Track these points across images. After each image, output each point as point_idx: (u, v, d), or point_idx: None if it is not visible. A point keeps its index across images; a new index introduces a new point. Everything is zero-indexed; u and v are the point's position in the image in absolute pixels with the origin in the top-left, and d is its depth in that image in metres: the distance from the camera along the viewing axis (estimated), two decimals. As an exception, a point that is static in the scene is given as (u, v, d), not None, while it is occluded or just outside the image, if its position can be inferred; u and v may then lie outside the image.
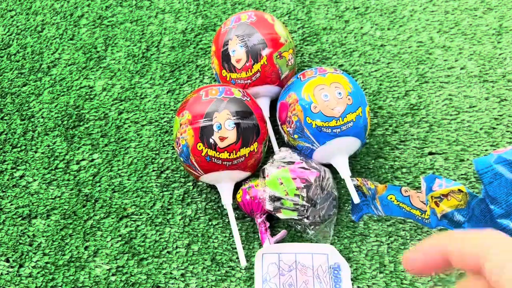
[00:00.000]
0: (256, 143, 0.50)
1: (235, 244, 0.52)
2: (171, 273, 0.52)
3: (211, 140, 0.48)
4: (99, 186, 0.57)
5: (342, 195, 0.55)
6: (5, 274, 0.52)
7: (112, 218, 0.55)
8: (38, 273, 0.52)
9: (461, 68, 0.62)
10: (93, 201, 0.56)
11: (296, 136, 0.52)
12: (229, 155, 0.49)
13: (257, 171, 0.54)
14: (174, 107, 0.62)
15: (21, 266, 0.53)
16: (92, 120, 0.61)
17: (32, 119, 0.61)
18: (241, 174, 0.51)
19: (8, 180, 0.58)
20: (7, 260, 0.53)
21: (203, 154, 0.49)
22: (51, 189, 0.57)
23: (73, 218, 0.55)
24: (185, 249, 0.53)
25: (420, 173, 0.56)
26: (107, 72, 0.64)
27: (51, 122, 0.61)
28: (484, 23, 0.65)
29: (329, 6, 0.68)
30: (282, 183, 0.49)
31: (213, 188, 0.56)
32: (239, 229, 0.53)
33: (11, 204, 0.56)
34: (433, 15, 0.66)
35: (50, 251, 0.53)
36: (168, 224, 0.54)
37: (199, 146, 0.49)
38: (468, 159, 0.56)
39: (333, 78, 0.51)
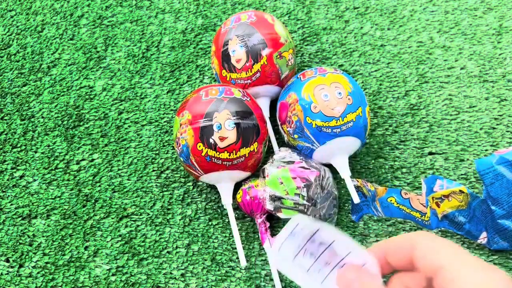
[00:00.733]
0: (256, 143, 0.50)
1: (235, 244, 0.52)
2: (171, 273, 0.52)
3: (211, 140, 0.48)
4: (99, 186, 0.57)
5: (342, 195, 0.55)
6: (5, 274, 0.52)
7: (112, 218, 0.55)
8: (38, 273, 0.52)
9: (461, 68, 0.62)
10: (93, 201, 0.56)
11: (296, 136, 0.52)
12: (229, 155, 0.49)
13: (257, 171, 0.54)
14: (174, 107, 0.62)
15: (21, 266, 0.53)
16: (92, 120, 0.61)
17: (32, 119, 0.61)
18: (241, 174, 0.51)
19: (8, 180, 0.58)
20: (7, 260, 0.53)
21: (203, 154, 0.49)
22: (51, 189, 0.57)
23: (73, 218, 0.55)
24: (185, 249, 0.53)
25: (420, 173, 0.56)
26: (107, 72, 0.64)
27: (51, 122, 0.61)
28: (484, 23, 0.65)
29: (329, 6, 0.68)
30: (282, 183, 0.49)
31: (213, 188, 0.56)
32: (239, 229, 0.53)
33: (11, 204, 0.56)
34: (433, 15, 0.66)
35: (50, 251, 0.53)
36: (168, 224, 0.54)
37: (199, 146, 0.49)
38: (468, 159, 0.56)
39: (333, 78, 0.51)
